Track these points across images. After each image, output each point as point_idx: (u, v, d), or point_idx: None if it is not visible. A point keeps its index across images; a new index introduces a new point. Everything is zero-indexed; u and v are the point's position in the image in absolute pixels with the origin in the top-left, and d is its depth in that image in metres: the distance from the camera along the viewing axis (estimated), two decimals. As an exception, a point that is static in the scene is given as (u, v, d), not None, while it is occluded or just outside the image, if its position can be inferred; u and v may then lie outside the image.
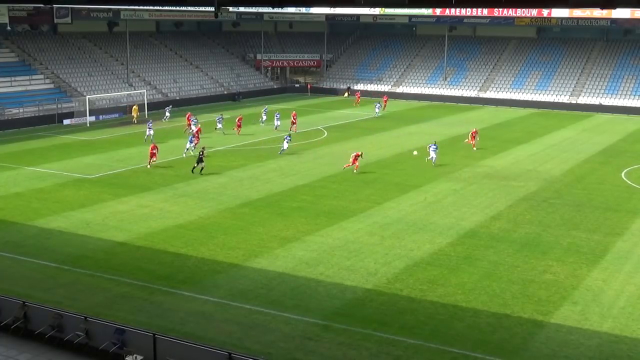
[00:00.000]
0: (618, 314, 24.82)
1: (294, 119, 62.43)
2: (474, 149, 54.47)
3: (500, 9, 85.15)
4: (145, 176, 44.74)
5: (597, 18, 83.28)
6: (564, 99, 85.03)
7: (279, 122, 63.20)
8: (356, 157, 45.65)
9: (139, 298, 25.79)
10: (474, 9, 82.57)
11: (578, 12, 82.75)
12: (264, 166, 48.10)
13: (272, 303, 25.41)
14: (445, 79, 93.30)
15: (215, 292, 26.42)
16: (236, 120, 60.86)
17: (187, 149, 50.16)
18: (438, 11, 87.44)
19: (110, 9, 76.61)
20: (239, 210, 37.17)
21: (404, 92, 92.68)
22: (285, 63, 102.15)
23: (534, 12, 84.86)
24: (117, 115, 72.04)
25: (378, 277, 27.96)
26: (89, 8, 72.89)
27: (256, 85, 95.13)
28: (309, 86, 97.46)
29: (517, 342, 22.69)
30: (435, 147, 48.52)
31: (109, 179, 43.94)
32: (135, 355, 20.06)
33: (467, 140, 56.16)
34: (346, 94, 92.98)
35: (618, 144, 59.27)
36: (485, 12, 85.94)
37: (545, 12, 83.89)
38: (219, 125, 61.31)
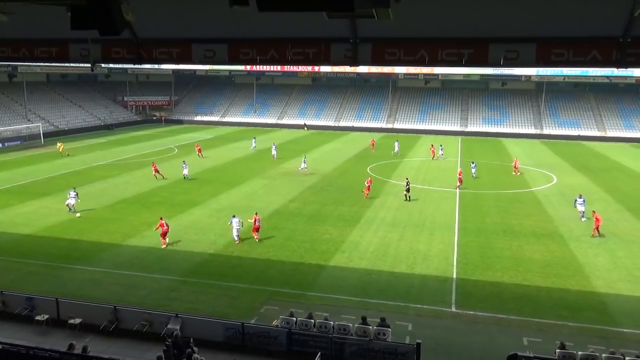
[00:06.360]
0: (370, 257, 26.18)
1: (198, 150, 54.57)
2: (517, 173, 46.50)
3: (287, 66, 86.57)
4: (45, 185, 40.80)
5: (348, 72, 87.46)
6: (331, 122, 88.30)
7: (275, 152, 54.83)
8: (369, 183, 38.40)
9: (44, 274, 23.55)
10: (272, 67, 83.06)
11: (337, 68, 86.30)
12: (133, 174, 45.67)
13: (144, 268, 24.27)
14: (255, 112, 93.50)
15: (102, 264, 24.73)
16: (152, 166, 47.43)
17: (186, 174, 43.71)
18: (248, 67, 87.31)
19: (9, 65, 69.85)
20: (117, 206, 35.00)
21: (229, 121, 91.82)
22: (145, 102, 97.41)
23: (309, 68, 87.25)
24: (18, 142, 65.08)
25: (217, 245, 27.53)
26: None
27: (125, 119, 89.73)
28: (162, 118, 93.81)
29: (310, 279, 23.31)
30: (304, 159, 47.19)
31: (14, 189, 39.65)
32: (43, 315, 18.46)
33: (514, 172, 46.85)
34: (305, 128, 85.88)
35: (364, 150, 62.54)
36: (278, 68, 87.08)
37: (317, 68, 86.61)
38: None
